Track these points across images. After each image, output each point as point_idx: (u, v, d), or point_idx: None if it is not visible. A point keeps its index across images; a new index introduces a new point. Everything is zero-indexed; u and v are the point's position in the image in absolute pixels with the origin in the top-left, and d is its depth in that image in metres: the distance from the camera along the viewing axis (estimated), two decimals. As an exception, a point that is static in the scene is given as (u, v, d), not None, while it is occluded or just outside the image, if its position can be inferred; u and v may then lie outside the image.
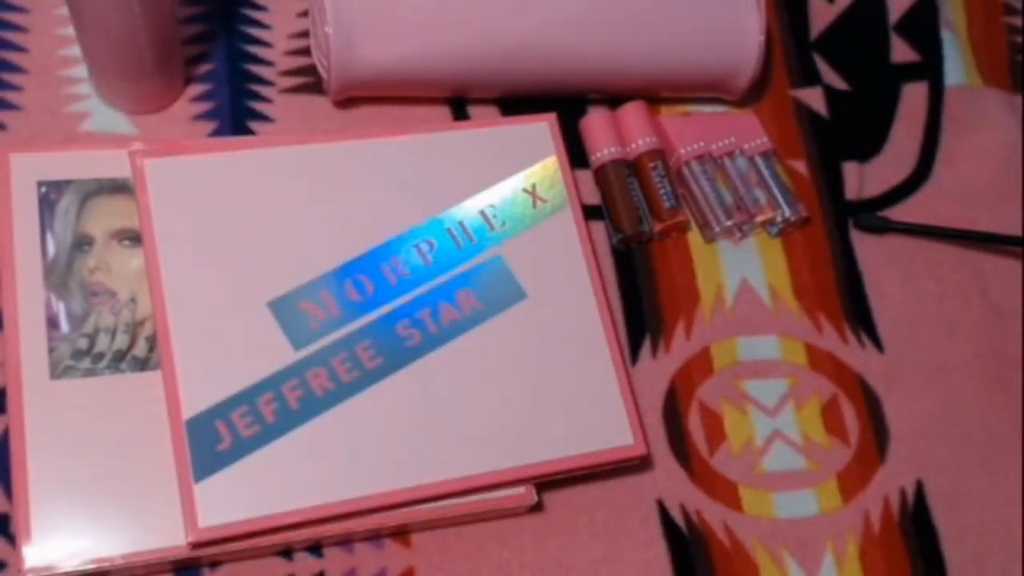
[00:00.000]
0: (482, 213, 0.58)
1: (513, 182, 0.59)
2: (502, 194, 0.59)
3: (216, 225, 0.54)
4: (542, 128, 0.61)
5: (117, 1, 0.51)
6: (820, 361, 0.65)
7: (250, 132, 0.61)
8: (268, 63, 0.63)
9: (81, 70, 0.59)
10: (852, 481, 0.62)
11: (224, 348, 0.51)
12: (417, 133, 0.59)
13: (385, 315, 0.54)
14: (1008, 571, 0.63)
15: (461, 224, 0.57)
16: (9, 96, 0.58)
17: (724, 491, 0.60)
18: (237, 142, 0.56)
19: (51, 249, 0.53)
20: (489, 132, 0.60)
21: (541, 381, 0.55)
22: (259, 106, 0.62)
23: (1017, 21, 0.79)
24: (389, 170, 0.57)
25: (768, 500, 0.60)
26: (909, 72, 0.75)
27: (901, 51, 0.75)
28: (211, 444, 0.49)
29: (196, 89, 0.61)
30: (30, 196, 0.54)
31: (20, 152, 0.54)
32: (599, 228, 0.64)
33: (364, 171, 0.57)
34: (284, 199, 0.55)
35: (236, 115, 0.61)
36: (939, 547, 0.62)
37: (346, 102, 0.63)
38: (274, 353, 0.52)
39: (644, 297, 0.63)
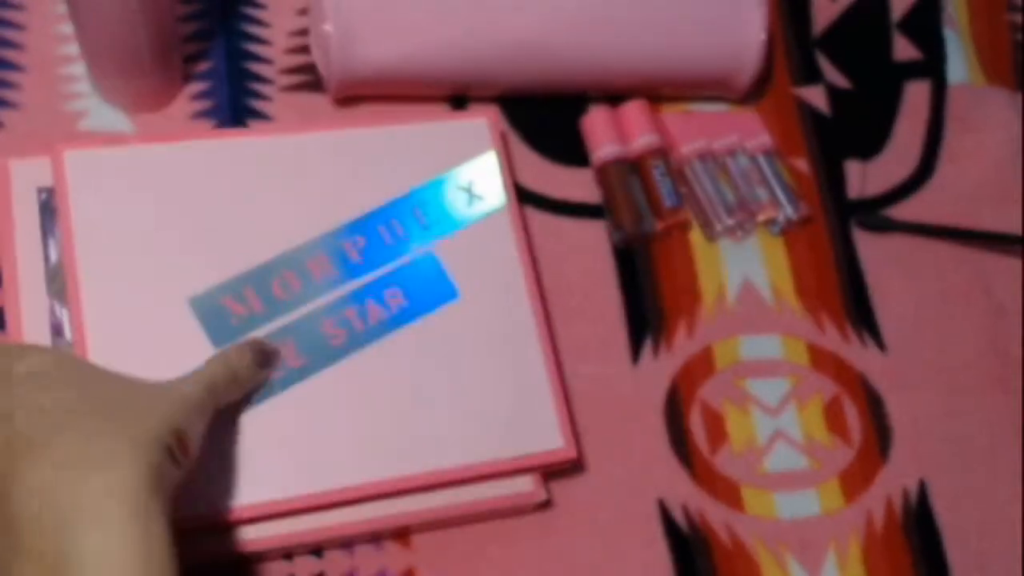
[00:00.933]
0: (415, 211, 0.56)
1: (449, 180, 0.58)
2: (437, 192, 0.57)
3: (139, 219, 0.52)
4: (481, 125, 0.59)
5: (115, -1, 0.51)
6: (822, 360, 0.64)
7: (249, 130, 0.61)
8: (268, 61, 0.63)
9: (80, 68, 0.59)
10: (854, 481, 0.62)
11: (140, 345, 0.50)
12: (351, 128, 0.58)
13: (310, 313, 0.53)
14: (1011, 571, 0.62)
15: (393, 222, 0.56)
16: (7, 94, 0.58)
17: (726, 491, 0.60)
18: (165, 135, 0.55)
19: (53, 255, 0.53)
20: (427, 128, 0.59)
21: (470, 382, 0.53)
22: (259, 104, 0.61)
23: (1020, 19, 0.79)
24: (322, 166, 0.56)
25: (770, 500, 0.60)
26: (911, 70, 0.74)
27: (903, 49, 0.75)
28: None
29: (195, 87, 0.61)
30: (30, 203, 0.53)
31: (19, 159, 0.53)
32: (600, 227, 0.64)
33: (296, 167, 0.55)
34: (211, 194, 0.54)
35: (235, 113, 0.61)
36: (942, 547, 0.62)
37: (346, 100, 0.63)
38: (192, 350, 0.50)
39: (645, 296, 0.63)
